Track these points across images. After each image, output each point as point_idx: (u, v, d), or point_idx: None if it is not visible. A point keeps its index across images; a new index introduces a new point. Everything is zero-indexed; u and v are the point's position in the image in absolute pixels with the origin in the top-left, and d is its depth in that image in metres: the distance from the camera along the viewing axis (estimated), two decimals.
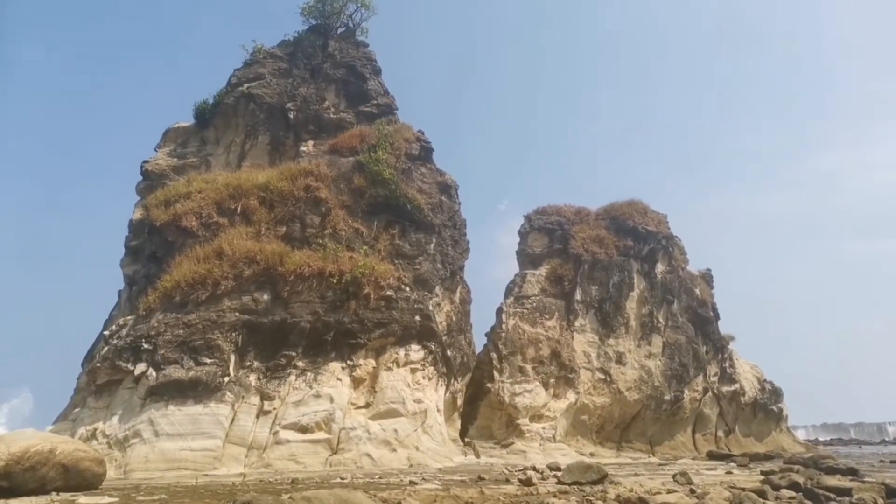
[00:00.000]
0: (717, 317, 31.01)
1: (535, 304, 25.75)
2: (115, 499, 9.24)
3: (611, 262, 27.49)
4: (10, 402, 33.85)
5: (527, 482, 11.94)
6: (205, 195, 18.81)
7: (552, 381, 24.15)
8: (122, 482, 11.76)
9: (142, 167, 22.19)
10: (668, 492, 10.99)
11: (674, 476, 13.13)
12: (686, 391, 27.04)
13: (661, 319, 27.88)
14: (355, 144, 22.09)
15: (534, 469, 14.91)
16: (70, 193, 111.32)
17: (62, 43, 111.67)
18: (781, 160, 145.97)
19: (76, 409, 15.23)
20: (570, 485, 12.07)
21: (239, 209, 18.76)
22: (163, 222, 18.21)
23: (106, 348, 15.62)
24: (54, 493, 9.31)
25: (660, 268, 29.00)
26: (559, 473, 13.75)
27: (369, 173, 20.77)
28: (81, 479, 10.01)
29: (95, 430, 13.96)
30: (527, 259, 28.13)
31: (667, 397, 26.41)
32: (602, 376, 25.60)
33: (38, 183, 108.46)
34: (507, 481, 12.57)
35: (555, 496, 10.76)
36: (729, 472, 15.85)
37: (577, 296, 26.54)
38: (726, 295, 62.75)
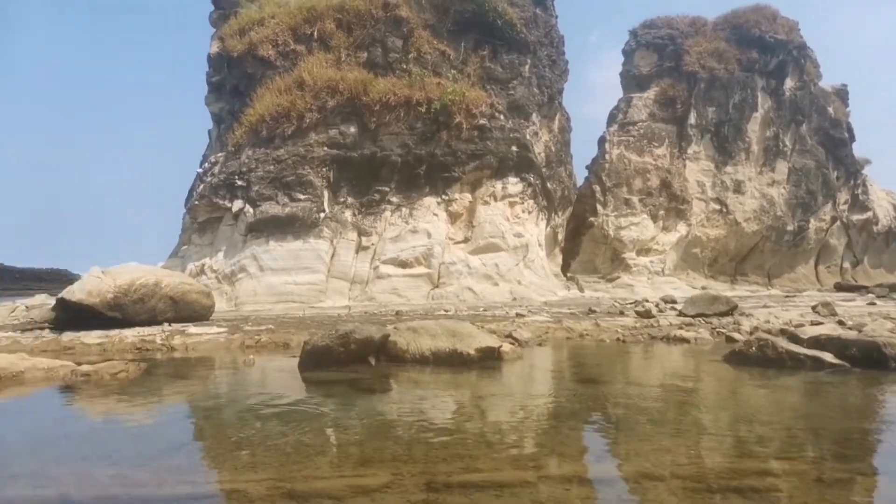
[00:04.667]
0: (851, 139, 27.21)
1: (642, 131, 23.32)
2: (224, 328, 9.17)
3: (731, 78, 24.01)
4: None
5: (645, 314, 10.98)
6: (279, 20, 17.29)
7: (661, 213, 22.44)
8: (232, 314, 11.91)
9: None
10: (813, 324, 9.69)
11: (813, 307, 11.73)
12: (812, 221, 24.59)
13: (787, 143, 24.71)
14: None
15: (647, 302, 13.92)
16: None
17: None
18: None
19: (184, 247, 15.54)
20: (693, 317, 11.03)
21: (315, 34, 17.19)
22: (239, 53, 17.06)
23: (202, 186, 15.47)
24: (165, 324, 9.36)
25: (788, 84, 25.13)
26: (677, 306, 12.74)
27: None
28: (191, 310, 10.03)
29: (203, 265, 14.20)
30: (632, 81, 25.12)
31: (789, 228, 24.16)
32: (717, 207, 23.52)
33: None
34: (622, 314, 11.68)
35: (680, 328, 9.76)
36: (871, 304, 14.19)
37: (691, 119, 23.69)
38: (862, 116, 55.37)
